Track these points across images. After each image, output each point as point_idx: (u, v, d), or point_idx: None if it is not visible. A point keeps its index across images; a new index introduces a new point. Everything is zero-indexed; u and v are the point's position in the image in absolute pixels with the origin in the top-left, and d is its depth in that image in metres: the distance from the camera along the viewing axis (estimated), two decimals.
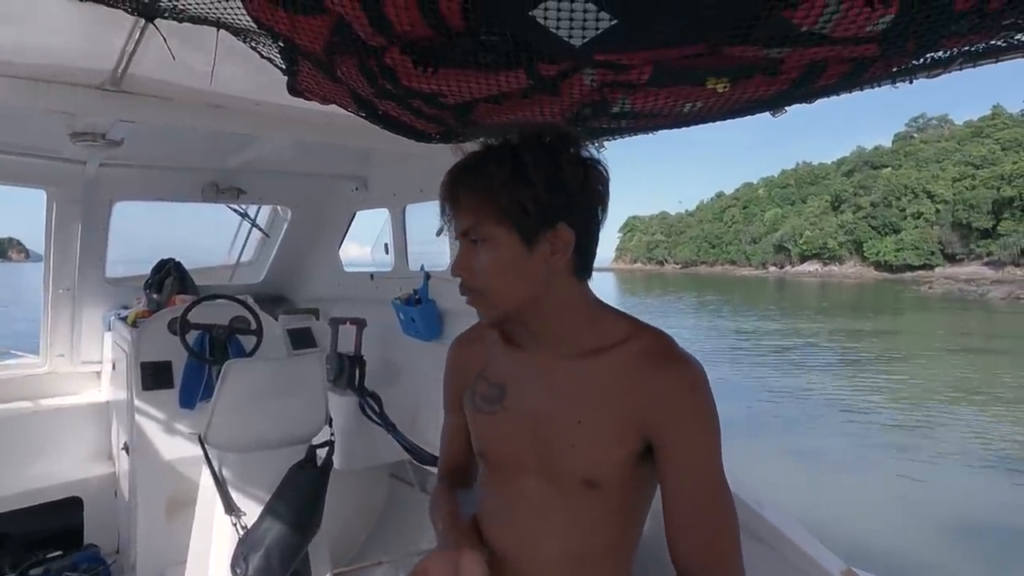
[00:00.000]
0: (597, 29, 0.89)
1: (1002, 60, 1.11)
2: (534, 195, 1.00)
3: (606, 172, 1.08)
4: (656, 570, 1.33)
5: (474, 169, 1.06)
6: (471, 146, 2.52)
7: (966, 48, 1.03)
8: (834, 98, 1.22)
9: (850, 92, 1.24)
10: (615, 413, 1.01)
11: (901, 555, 6.84)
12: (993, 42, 1.02)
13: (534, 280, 1.04)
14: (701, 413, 1.00)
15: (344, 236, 4.00)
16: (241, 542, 2.39)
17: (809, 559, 1.35)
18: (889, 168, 76.33)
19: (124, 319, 3.25)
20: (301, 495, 2.46)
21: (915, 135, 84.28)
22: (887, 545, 6.92)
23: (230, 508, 2.44)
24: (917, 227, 67.88)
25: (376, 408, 3.01)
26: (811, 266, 77.36)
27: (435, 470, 2.83)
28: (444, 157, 2.61)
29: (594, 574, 1.08)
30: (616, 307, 1.14)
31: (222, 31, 1.26)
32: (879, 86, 1.21)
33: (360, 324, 3.18)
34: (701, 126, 1.36)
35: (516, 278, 1.04)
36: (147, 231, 4.00)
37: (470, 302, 1.09)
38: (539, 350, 1.10)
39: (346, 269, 4.07)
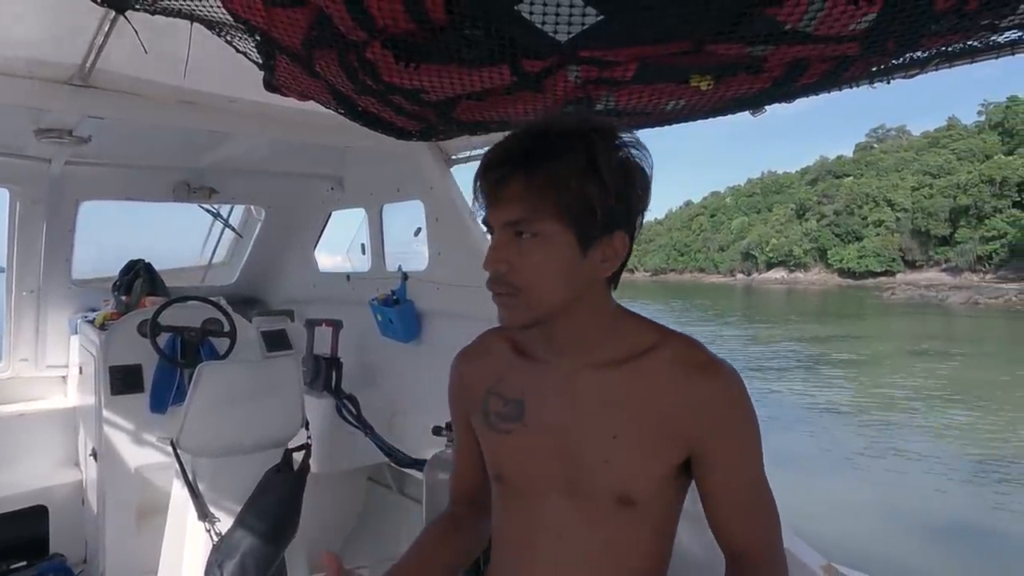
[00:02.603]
0: (583, 25, 0.89)
1: (977, 61, 1.13)
2: (604, 196, 0.92)
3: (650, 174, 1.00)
4: None
5: (538, 154, 0.92)
6: (449, 145, 2.54)
7: (944, 48, 1.05)
8: (798, 109, 1.25)
9: (829, 92, 1.25)
10: (653, 425, 0.96)
11: (875, 552, 6.99)
12: (970, 42, 1.04)
13: (576, 286, 0.96)
14: (746, 420, 0.98)
15: (319, 237, 3.95)
16: (215, 549, 2.33)
17: (791, 555, 1.35)
18: (851, 177, 78.17)
19: (92, 322, 3.17)
20: (277, 500, 2.41)
21: (875, 145, 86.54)
22: (859, 543, 7.05)
23: (203, 514, 2.39)
24: (878, 234, 69.55)
25: (353, 410, 2.98)
26: (777, 273, 78.66)
27: (413, 472, 2.82)
28: (422, 156, 2.60)
29: None
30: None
31: (196, 24, 1.24)
32: (858, 86, 1.22)
33: (336, 326, 3.14)
34: (671, 136, 1.37)
35: (562, 281, 0.95)
36: (116, 231, 3.90)
37: (501, 301, 0.96)
38: (559, 361, 1.02)
39: (321, 270, 4.02)
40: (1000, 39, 1.03)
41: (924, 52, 1.05)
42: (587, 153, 0.92)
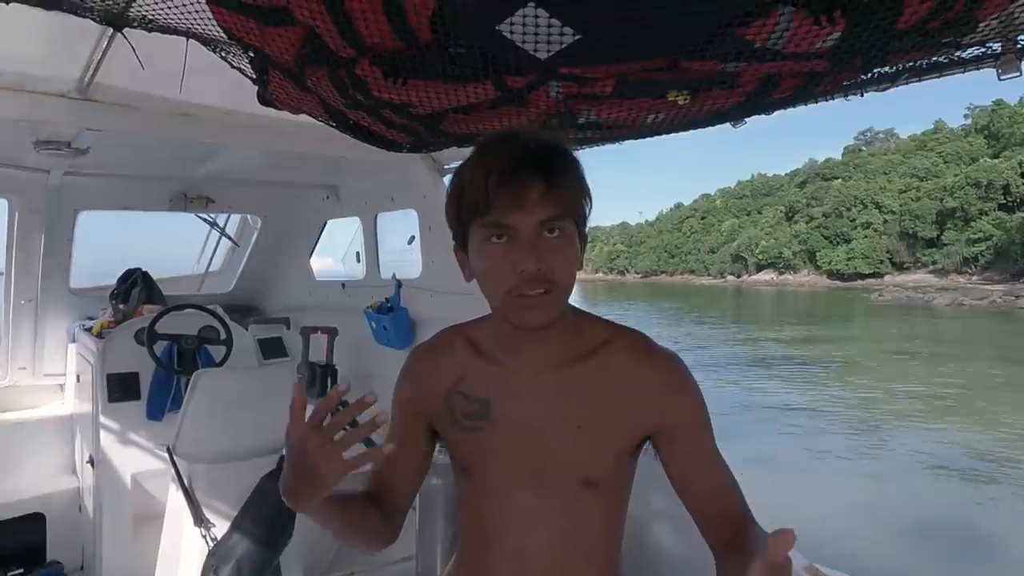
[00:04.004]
0: (562, 44, 0.93)
1: (945, 75, 1.18)
2: (589, 203, 1.02)
3: None
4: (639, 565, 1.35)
5: (554, 160, 0.97)
6: (442, 155, 2.57)
7: (911, 64, 1.09)
8: (788, 112, 1.28)
9: (805, 104, 1.29)
10: (613, 411, 1.04)
11: (859, 553, 7.04)
12: (936, 58, 1.08)
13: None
14: (696, 397, 1.08)
15: (315, 245, 3.99)
16: (211, 555, 2.35)
17: None
18: (839, 180, 78.25)
19: (89, 330, 3.19)
20: (272, 506, 2.43)
21: (863, 148, 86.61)
22: (844, 544, 7.10)
23: (199, 520, 2.41)
24: (867, 237, 69.65)
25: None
26: (767, 275, 78.46)
27: None
28: (415, 166, 2.64)
29: None
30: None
31: (192, 41, 1.28)
32: (832, 99, 1.27)
33: (331, 333, 3.17)
34: (660, 138, 1.41)
35: (574, 278, 1.02)
36: (114, 240, 3.94)
37: (534, 300, 0.97)
38: (520, 363, 1.07)
39: (317, 278, 4.05)
40: (964, 55, 1.08)
41: (892, 68, 1.09)
42: (578, 165, 1.00)
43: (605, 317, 1.14)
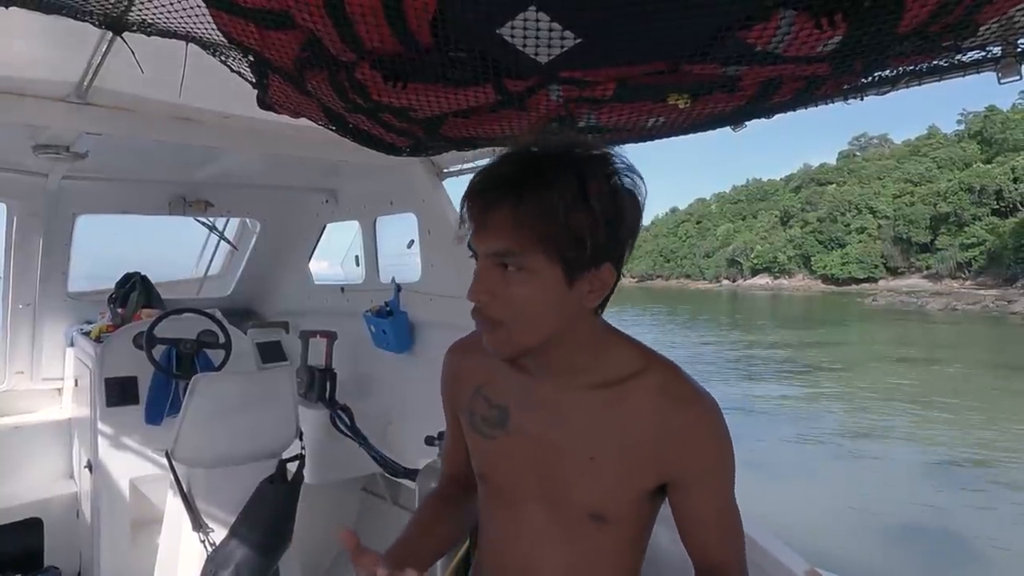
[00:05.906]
0: (562, 47, 0.93)
1: (945, 79, 1.18)
2: (593, 229, 0.88)
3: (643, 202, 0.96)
4: None
5: (528, 182, 0.88)
6: (441, 159, 2.57)
7: (911, 67, 1.09)
8: (783, 117, 1.28)
9: (805, 108, 1.29)
10: (631, 451, 0.98)
11: (856, 558, 7.04)
12: (936, 62, 1.08)
13: (562, 317, 0.93)
14: (723, 451, 1.00)
15: (314, 249, 3.98)
16: (210, 560, 2.35)
17: (773, 559, 1.38)
18: (834, 185, 78.91)
19: (87, 334, 3.19)
20: (271, 510, 2.43)
21: (857, 153, 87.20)
22: (841, 548, 7.10)
23: (198, 525, 2.40)
24: (861, 241, 70.12)
25: (347, 421, 3.00)
26: (762, 279, 78.67)
27: (407, 482, 2.84)
28: (415, 169, 2.64)
29: None
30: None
31: (191, 45, 1.27)
32: (832, 102, 1.27)
33: (331, 337, 3.17)
34: (657, 142, 1.41)
35: (546, 315, 0.92)
36: (112, 244, 3.93)
37: (486, 334, 0.94)
38: (546, 377, 1.02)
39: (316, 282, 4.04)
40: (964, 58, 1.08)
41: (892, 71, 1.09)
42: (578, 182, 0.88)
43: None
